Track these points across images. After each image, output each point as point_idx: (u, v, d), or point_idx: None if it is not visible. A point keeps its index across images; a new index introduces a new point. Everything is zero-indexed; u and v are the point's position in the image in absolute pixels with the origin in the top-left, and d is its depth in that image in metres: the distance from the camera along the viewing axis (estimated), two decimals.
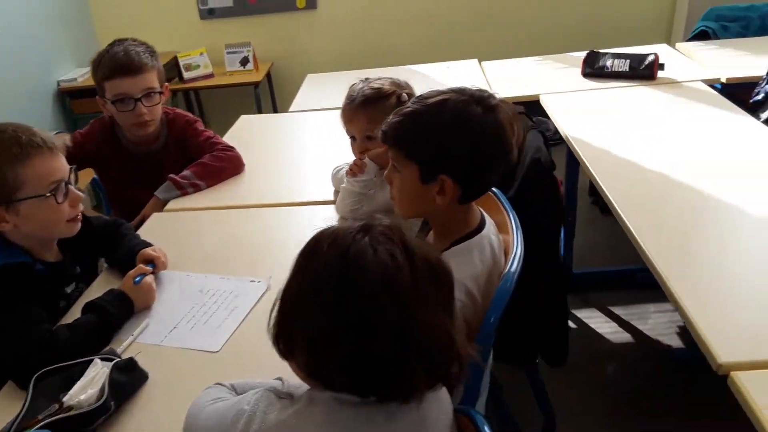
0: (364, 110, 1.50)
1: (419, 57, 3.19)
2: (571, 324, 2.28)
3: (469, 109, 1.07)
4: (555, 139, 2.33)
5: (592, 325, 2.25)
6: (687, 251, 1.31)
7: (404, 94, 1.52)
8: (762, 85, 2.16)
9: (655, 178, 1.62)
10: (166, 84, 1.91)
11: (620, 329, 2.22)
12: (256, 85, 3.56)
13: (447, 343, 0.77)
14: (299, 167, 1.93)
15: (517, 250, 1.16)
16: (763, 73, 2.20)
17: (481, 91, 1.12)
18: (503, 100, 1.13)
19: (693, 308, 1.13)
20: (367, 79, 1.56)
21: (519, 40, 3.72)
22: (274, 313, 0.80)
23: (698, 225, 1.41)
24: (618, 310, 2.30)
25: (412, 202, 1.15)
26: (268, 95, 3.86)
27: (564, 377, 2.00)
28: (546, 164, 1.53)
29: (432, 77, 2.71)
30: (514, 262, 1.12)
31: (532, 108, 2.31)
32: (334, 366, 0.75)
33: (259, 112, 3.54)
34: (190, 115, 1.99)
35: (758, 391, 0.95)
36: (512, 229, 1.23)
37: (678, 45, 2.68)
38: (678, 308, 1.16)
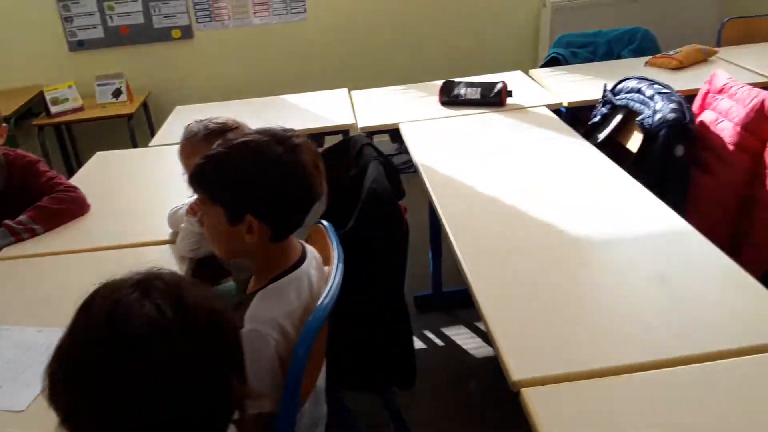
0: (209, 143, 1.49)
1: (294, 87, 3.22)
2: (439, 342, 2.36)
3: (270, 150, 1.10)
4: None
5: (459, 342, 2.34)
6: (503, 273, 1.39)
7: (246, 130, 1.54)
8: (599, 108, 2.34)
9: (489, 202, 1.71)
10: (4, 125, 1.84)
11: (484, 344, 2.31)
12: (129, 117, 3.46)
13: (223, 395, 0.78)
14: (149, 206, 1.89)
15: (333, 282, 1.19)
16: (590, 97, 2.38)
17: (285, 130, 1.15)
18: (307, 140, 1.16)
19: (497, 328, 1.21)
20: (201, 120, 1.56)
21: (392, 68, 3.83)
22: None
23: (520, 247, 1.50)
24: (484, 326, 2.39)
25: (224, 243, 1.16)
26: (146, 127, 3.76)
27: (430, 397, 2.06)
28: (383, 193, 1.58)
29: (302, 107, 2.75)
30: (328, 296, 1.15)
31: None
32: (94, 427, 0.73)
33: (134, 145, 3.44)
34: (31, 155, 1.91)
35: (543, 407, 1.01)
36: (333, 262, 1.26)
37: (531, 72, 2.86)
38: (486, 329, 1.23)
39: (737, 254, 1.92)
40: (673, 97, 1.98)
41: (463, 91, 2.51)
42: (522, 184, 1.80)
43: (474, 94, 2.49)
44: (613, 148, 2.19)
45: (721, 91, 2.01)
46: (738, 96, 1.92)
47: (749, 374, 1.06)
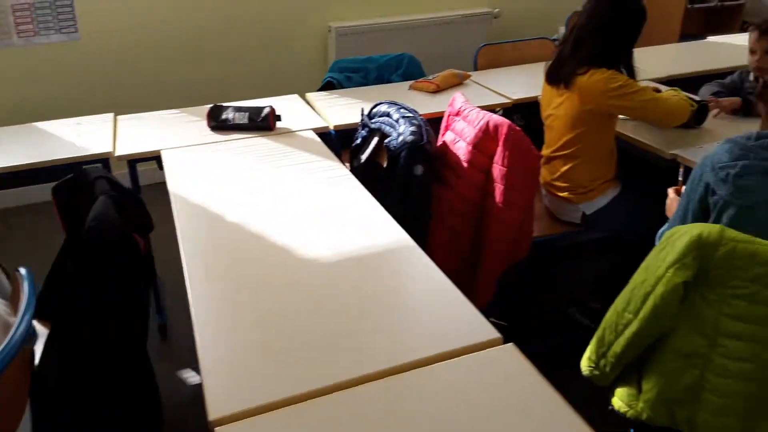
0: None
1: (59, 112, 2.97)
2: None
3: None
4: None
5: None
6: (230, 305, 1.38)
7: None
8: (359, 131, 2.44)
9: (233, 230, 1.70)
10: None
11: None
12: None
13: None
14: None
15: (14, 336, 1.08)
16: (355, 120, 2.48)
17: None
18: None
19: (207, 365, 1.18)
20: None
21: (173, 91, 3.72)
22: None
23: (254, 276, 1.50)
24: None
25: None
26: None
27: None
28: (107, 230, 1.49)
29: (58, 135, 2.53)
30: (2, 354, 1.04)
31: None
32: None
33: None
34: None
35: None
36: (19, 314, 1.15)
37: (307, 95, 2.92)
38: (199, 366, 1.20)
39: (479, 263, 2.12)
40: (414, 121, 2.12)
41: (231, 115, 2.48)
42: (272, 210, 1.81)
43: (242, 118, 2.47)
44: (375, 169, 2.30)
45: (457, 114, 2.19)
46: (469, 118, 2.10)
47: (454, 376, 1.15)
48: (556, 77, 2.18)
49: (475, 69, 3.20)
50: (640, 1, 2.10)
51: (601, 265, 2.26)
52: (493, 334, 1.24)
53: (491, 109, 2.75)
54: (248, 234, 1.68)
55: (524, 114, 2.91)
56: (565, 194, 2.25)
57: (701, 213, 1.51)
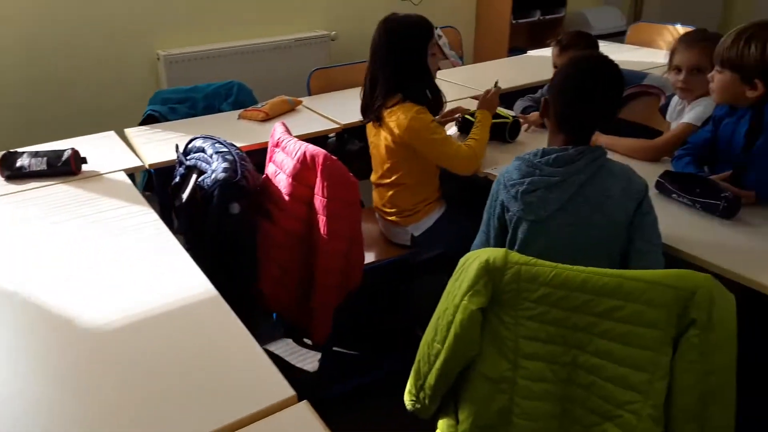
0: None
1: None
2: None
3: None
4: None
5: None
6: None
7: None
8: (177, 169, 2.27)
9: (7, 300, 1.48)
10: None
11: None
12: None
13: None
14: None
15: None
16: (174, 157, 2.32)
17: None
18: None
19: None
20: None
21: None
22: None
23: (33, 352, 1.30)
24: None
25: None
26: None
27: None
28: None
29: None
30: None
31: None
32: None
33: None
34: None
35: None
36: None
37: (126, 131, 2.70)
38: None
39: (311, 297, 2.03)
40: (228, 156, 2.00)
41: (27, 162, 2.22)
42: (60, 268, 1.61)
43: (40, 164, 2.22)
44: (198, 208, 2.14)
45: (277, 145, 2.10)
46: (288, 149, 2.02)
47: None
48: (366, 114, 2.17)
49: (309, 94, 3.14)
50: (411, 17, 2.06)
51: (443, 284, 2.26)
52: (288, 392, 1.15)
53: (323, 135, 2.71)
54: (25, 301, 1.47)
55: (362, 137, 2.88)
56: (393, 218, 2.23)
57: (500, 229, 1.53)
